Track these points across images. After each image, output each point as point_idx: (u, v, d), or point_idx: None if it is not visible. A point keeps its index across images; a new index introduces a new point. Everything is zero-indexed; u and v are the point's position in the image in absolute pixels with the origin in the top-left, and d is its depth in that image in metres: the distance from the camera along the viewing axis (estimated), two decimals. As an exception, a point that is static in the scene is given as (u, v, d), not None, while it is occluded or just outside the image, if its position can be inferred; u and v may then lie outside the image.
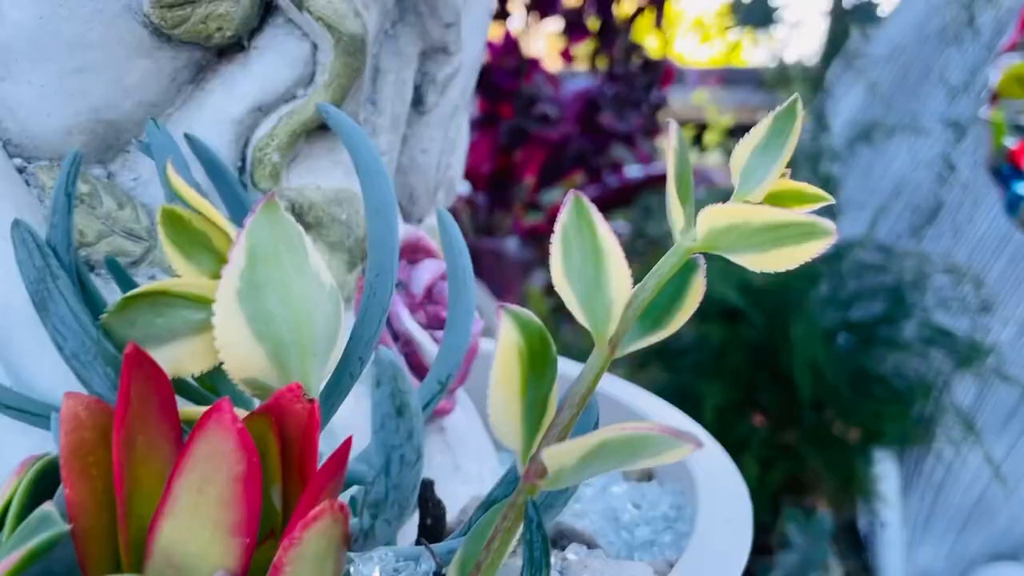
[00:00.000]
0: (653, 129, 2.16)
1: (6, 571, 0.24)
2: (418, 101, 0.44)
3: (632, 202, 1.98)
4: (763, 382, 1.44)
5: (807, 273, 1.67)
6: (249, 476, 0.25)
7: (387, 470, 0.25)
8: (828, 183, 1.88)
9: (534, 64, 2.04)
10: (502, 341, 0.26)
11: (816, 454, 1.40)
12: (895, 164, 2.08)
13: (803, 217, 0.26)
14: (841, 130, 1.88)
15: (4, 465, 0.32)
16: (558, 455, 0.26)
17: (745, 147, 0.29)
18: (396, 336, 0.44)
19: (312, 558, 0.26)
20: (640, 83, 2.12)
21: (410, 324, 0.43)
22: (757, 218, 0.26)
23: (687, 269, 0.29)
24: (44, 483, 0.29)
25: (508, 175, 2.06)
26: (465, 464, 0.45)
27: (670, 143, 0.29)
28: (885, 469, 1.49)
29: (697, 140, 3.50)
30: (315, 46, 0.37)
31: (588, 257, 0.27)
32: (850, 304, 1.69)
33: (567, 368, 0.55)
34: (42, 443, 0.32)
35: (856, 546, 1.53)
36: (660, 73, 2.14)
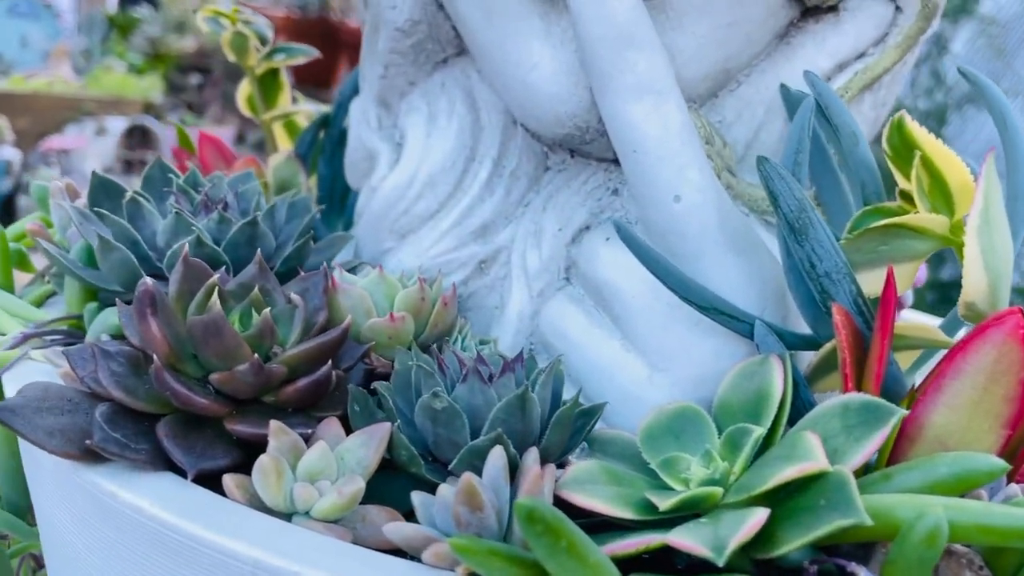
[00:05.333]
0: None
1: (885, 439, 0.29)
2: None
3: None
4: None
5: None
6: (1031, 379, 0.31)
7: None
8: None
9: None
10: None
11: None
12: (987, 128, 2.12)
13: None
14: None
15: (698, 364, 0.37)
16: None
17: None
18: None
19: (1056, 449, 0.32)
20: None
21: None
22: None
23: None
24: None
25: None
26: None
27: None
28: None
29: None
30: (898, 9, 0.41)
31: None
32: (940, 263, 1.76)
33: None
34: (724, 343, 0.36)
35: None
36: None
